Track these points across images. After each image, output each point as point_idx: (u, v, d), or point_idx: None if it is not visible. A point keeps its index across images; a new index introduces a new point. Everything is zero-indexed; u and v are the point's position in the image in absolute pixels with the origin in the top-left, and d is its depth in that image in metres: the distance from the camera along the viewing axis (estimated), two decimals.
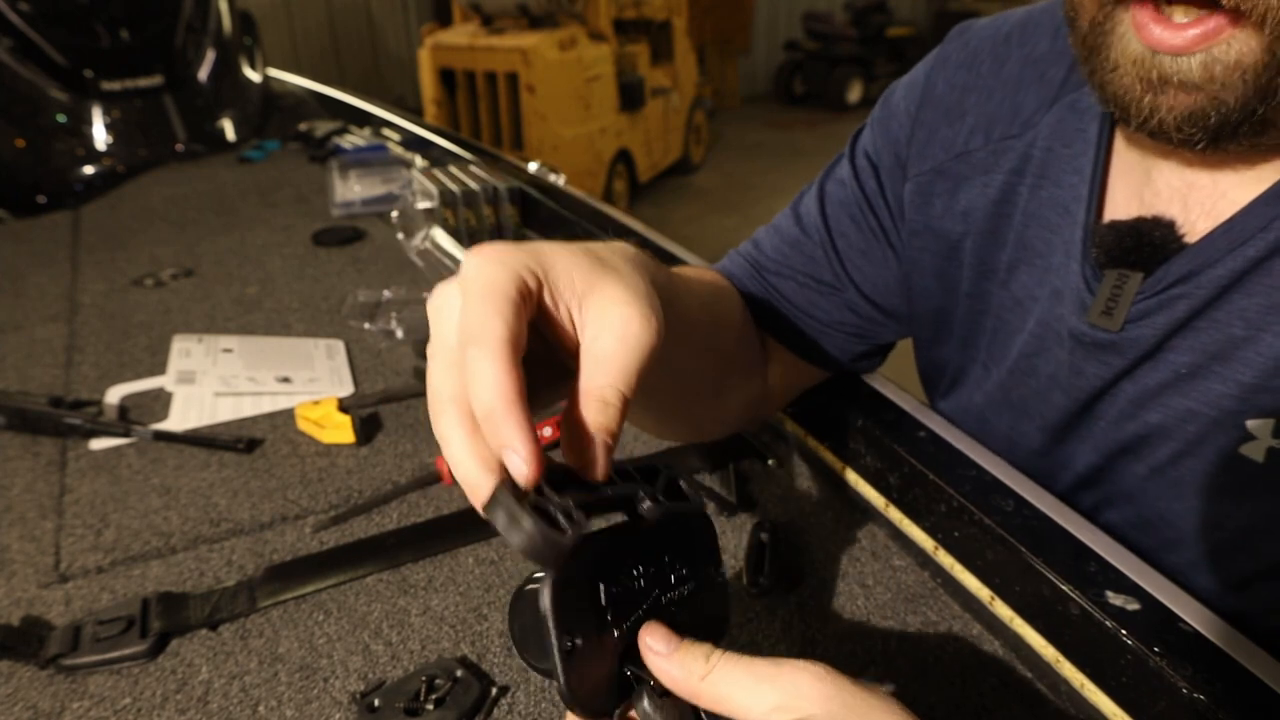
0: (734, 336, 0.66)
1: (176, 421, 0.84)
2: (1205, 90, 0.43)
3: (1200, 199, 0.50)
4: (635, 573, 0.38)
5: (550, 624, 0.34)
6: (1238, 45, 0.41)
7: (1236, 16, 0.41)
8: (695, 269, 0.71)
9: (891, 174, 0.67)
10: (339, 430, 0.79)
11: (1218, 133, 0.44)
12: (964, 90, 0.62)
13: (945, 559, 0.60)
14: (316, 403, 0.82)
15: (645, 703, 0.36)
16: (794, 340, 0.70)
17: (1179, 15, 0.42)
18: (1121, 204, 0.55)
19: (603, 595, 0.36)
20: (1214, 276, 0.48)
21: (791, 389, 0.73)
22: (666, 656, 0.36)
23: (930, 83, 0.65)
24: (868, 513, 0.68)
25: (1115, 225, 0.52)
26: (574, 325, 0.38)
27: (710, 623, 0.41)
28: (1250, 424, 0.48)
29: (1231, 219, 0.48)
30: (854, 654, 0.56)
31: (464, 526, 0.67)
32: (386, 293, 1.07)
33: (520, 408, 0.33)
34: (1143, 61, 0.44)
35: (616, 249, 0.43)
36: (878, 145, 0.68)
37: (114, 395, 0.90)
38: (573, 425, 0.36)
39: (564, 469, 0.36)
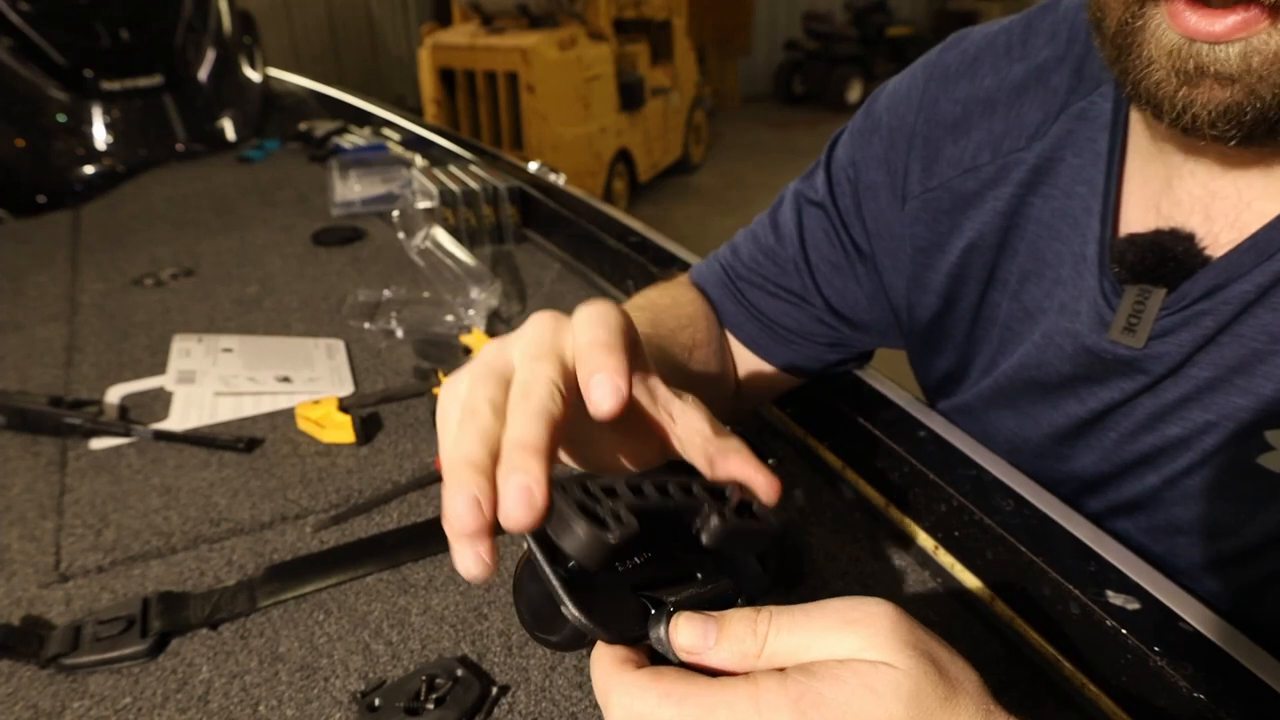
0: (700, 357, 0.66)
1: (177, 421, 0.84)
2: (1242, 83, 0.41)
3: (1224, 209, 0.49)
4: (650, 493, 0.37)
5: (538, 555, 0.33)
6: (1278, 37, 0.40)
7: (1274, 12, 0.40)
8: (671, 296, 0.70)
9: (872, 191, 0.66)
10: (339, 430, 0.79)
11: (1252, 129, 0.43)
12: (967, 104, 0.61)
13: (945, 559, 0.60)
14: (316, 402, 0.82)
15: (661, 630, 0.34)
16: (765, 349, 0.70)
17: (1217, 2, 0.41)
18: (1137, 216, 0.54)
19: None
20: (1239, 292, 0.48)
21: (766, 393, 0.74)
22: (707, 652, 0.33)
23: (930, 96, 0.63)
24: (868, 513, 0.68)
25: (1135, 240, 0.51)
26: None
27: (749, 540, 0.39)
28: (1269, 434, 0.48)
29: (1257, 234, 0.47)
30: None
31: None
32: (386, 292, 1.07)
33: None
34: (1179, 52, 0.42)
35: (612, 324, 0.42)
36: (857, 159, 0.67)
37: (114, 395, 0.90)
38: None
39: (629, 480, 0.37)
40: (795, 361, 0.71)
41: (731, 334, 0.71)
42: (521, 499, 0.32)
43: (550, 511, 0.33)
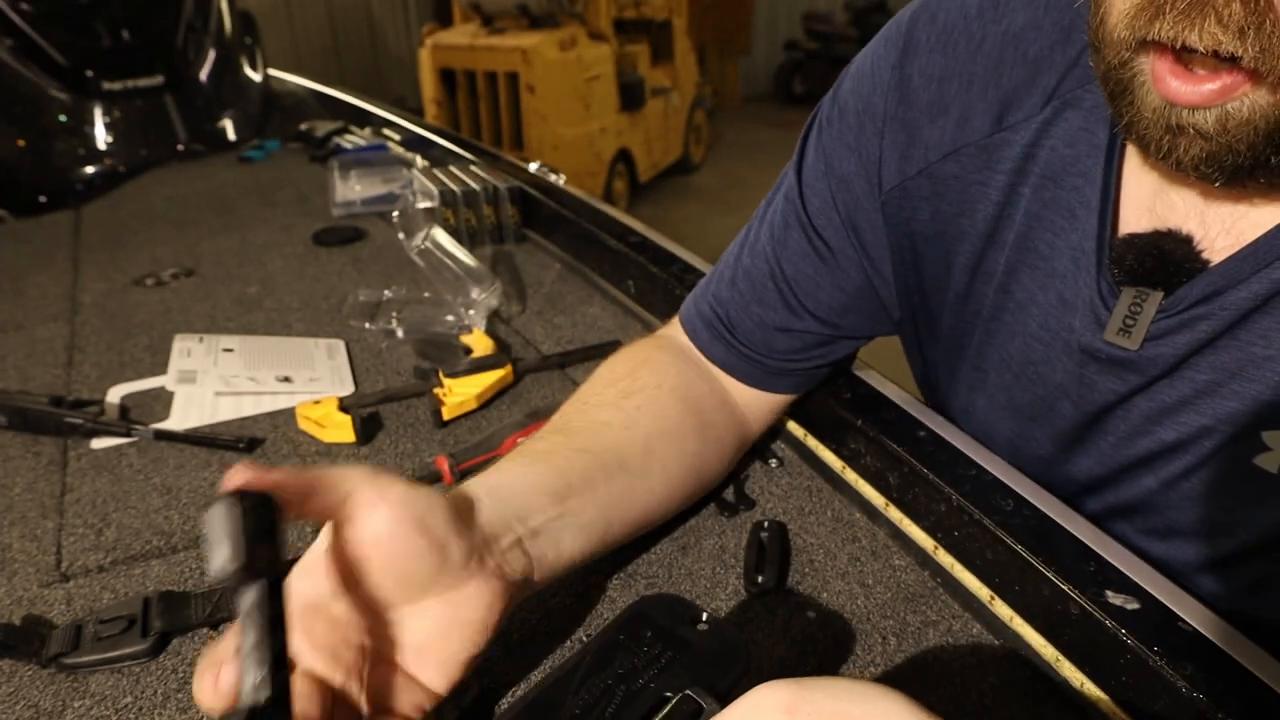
0: (695, 451, 0.65)
1: (177, 421, 0.84)
2: (1218, 141, 0.43)
3: (1220, 215, 0.49)
4: (592, 685, 0.40)
5: None
6: (1250, 101, 0.41)
7: (1255, 75, 0.40)
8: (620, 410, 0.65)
9: (845, 183, 0.63)
10: (339, 430, 0.79)
11: (1234, 173, 0.44)
12: (941, 80, 0.58)
13: (945, 559, 0.60)
14: (317, 402, 0.82)
15: None
16: (764, 382, 0.70)
17: (1199, 68, 0.41)
18: (1133, 216, 0.53)
19: None
20: (1238, 298, 0.47)
21: (770, 417, 0.74)
22: None
23: (900, 75, 0.59)
24: (868, 513, 0.68)
25: (1134, 241, 0.51)
26: None
27: (721, 660, 0.41)
28: (1266, 436, 0.48)
29: (1257, 241, 0.47)
30: (854, 654, 0.56)
31: None
32: (387, 292, 1.07)
33: None
34: (1161, 111, 0.44)
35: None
36: (827, 151, 0.65)
37: (115, 395, 0.90)
38: None
39: None
40: (798, 383, 0.71)
41: (729, 374, 0.70)
42: None
43: None
